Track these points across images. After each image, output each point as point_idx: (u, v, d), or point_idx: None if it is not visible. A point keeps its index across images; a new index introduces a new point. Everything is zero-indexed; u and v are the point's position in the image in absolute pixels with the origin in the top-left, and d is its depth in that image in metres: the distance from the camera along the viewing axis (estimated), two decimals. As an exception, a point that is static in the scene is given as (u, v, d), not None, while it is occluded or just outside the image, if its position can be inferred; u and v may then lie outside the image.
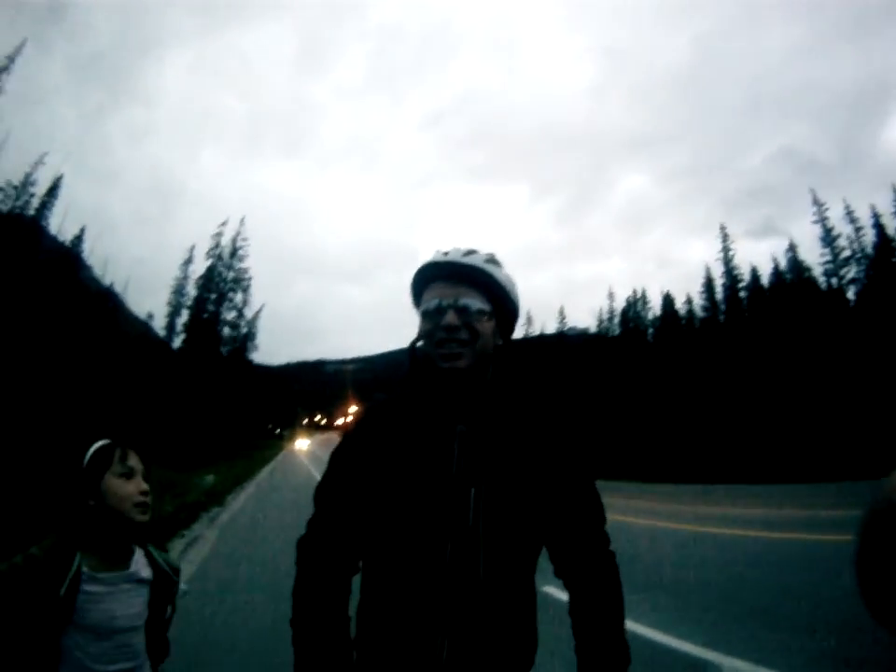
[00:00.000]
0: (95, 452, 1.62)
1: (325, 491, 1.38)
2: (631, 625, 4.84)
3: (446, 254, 1.39)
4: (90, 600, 1.52)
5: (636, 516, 13.20)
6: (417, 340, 1.41)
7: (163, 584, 1.68)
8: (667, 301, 50.95)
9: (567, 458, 1.40)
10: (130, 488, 1.60)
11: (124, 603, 1.58)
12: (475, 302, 1.35)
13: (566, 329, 60.34)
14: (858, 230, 39.48)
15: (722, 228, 46.54)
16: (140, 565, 1.66)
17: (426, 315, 1.36)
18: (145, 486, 1.63)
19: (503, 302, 1.40)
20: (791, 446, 30.20)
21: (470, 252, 1.39)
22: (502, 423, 1.36)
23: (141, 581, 1.64)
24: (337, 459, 1.40)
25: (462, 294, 1.34)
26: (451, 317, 1.32)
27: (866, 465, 22.71)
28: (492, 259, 1.40)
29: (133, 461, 1.64)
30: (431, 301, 1.35)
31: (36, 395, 22.02)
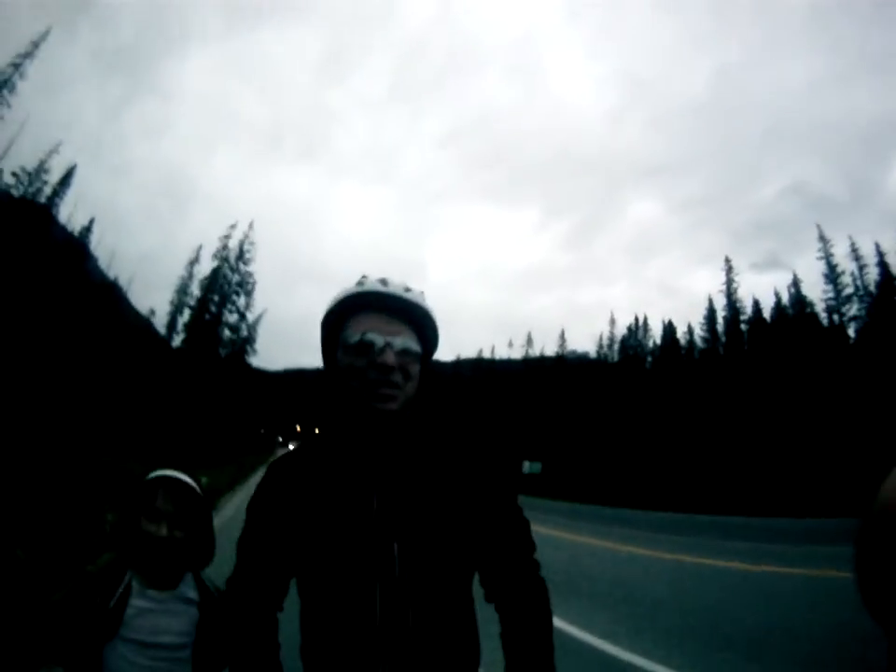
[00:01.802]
0: (140, 487, 1.72)
1: (245, 544, 1.37)
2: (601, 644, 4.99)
3: (384, 283, 1.30)
4: (137, 614, 1.62)
5: (615, 542, 13.27)
6: (333, 373, 1.36)
7: (210, 607, 1.72)
8: (668, 329, 51.26)
9: (491, 492, 1.37)
10: (150, 528, 1.65)
11: (170, 619, 1.66)
12: (412, 344, 1.30)
13: (565, 352, 60.67)
14: (861, 267, 39.97)
15: (727, 260, 47.00)
16: (188, 587, 1.73)
17: (355, 348, 1.27)
18: (163, 532, 1.65)
19: (431, 344, 1.37)
20: (784, 480, 30.21)
21: (407, 289, 1.32)
22: (421, 467, 1.33)
23: (189, 600, 1.71)
24: (253, 514, 1.37)
25: (401, 333, 1.29)
26: (389, 357, 1.25)
27: (853, 501, 22.89)
28: (423, 296, 1.35)
29: (162, 503, 1.67)
30: (367, 333, 1.27)
31: (35, 384, 21.99)
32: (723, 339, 46.35)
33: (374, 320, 1.27)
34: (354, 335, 1.27)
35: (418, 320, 1.32)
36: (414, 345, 1.30)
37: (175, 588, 1.71)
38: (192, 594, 1.73)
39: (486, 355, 74.53)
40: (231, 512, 15.21)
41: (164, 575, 1.70)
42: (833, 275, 41.06)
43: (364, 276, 1.33)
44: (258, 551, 1.34)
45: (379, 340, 1.25)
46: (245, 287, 51.59)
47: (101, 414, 23.11)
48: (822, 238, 41.63)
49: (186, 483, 1.71)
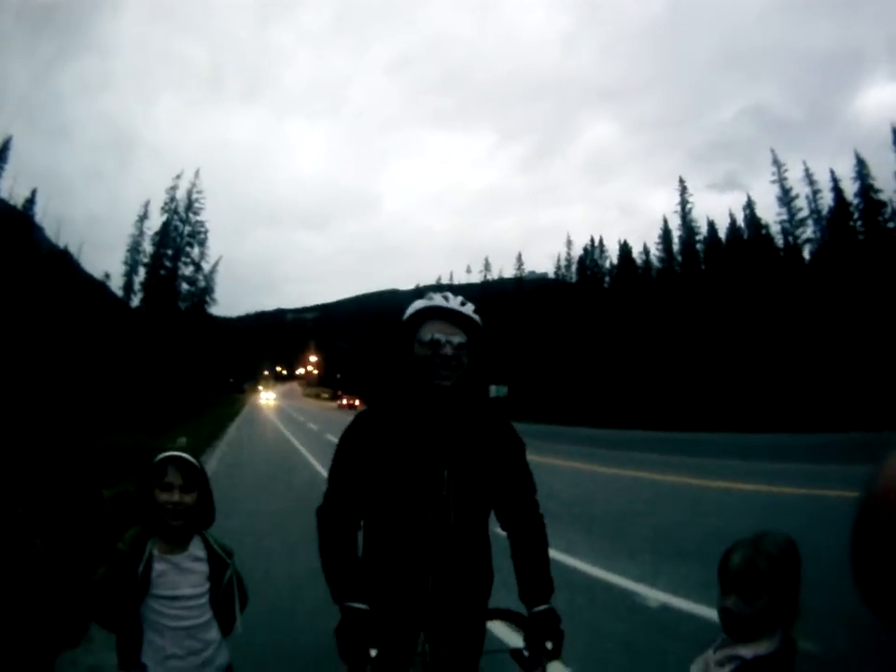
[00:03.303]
0: (152, 466, 2.13)
1: (336, 472, 1.94)
2: (570, 560, 5.62)
3: (446, 299, 1.90)
4: (160, 575, 2.05)
5: (580, 461, 14.37)
6: (407, 358, 1.95)
7: (216, 562, 2.19)
8: (624, 250, 51.55)
9: (508, 448, 2.00)
10: (163, 497, 2.07)
11: (185, 576, 2.11)
12: (463, 340, 1.90)
13: (524, 274, 61.03)
14: (816, 192, 40.54)
15: (681, 181, 47.18)
16: (196, 547, 2.17)
17: (426, 344, 1.88)
18: (175, 498, 2.07)
19: (477, 340, 1.95)
20: (736, 397, 31.46)
21: (463, 303, 1.92)
22: (464, 423, 1.94)
23: (198, 559, 2.16)
24: (343, 449, 1.95)
25: (457, 334, 1.89)
26: (448, 350, 1.86)
27: (802, 417, 24.02)
28: (473, 308, 1.94)
29: (172, 476, 2.09)
30: (434, 334, 1.87)
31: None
32: (679, 259, 47.01)
33: (439, 325, 1.89)
34: (426, 335, 1.89)
35: (468, 324, 1.92)
36: (464, 341, 1.90)
37: (187, 549, 2.14)
38: (201, 552, 2.17)
39: (445, 281, 74.73)
40: (213, 466, 15.35)
41: (178, 536, 2.12)
42: (786, 199, 41.58)
43: (431, 294, 1.95)
44: (346, 478, 1.92)
45: (442, 338, 1.87)
46: (198, 237, 50.62)
47: (69, 387, 22.94)
48: (776, 162, 42.00)
49: (189, 460, 2.14)
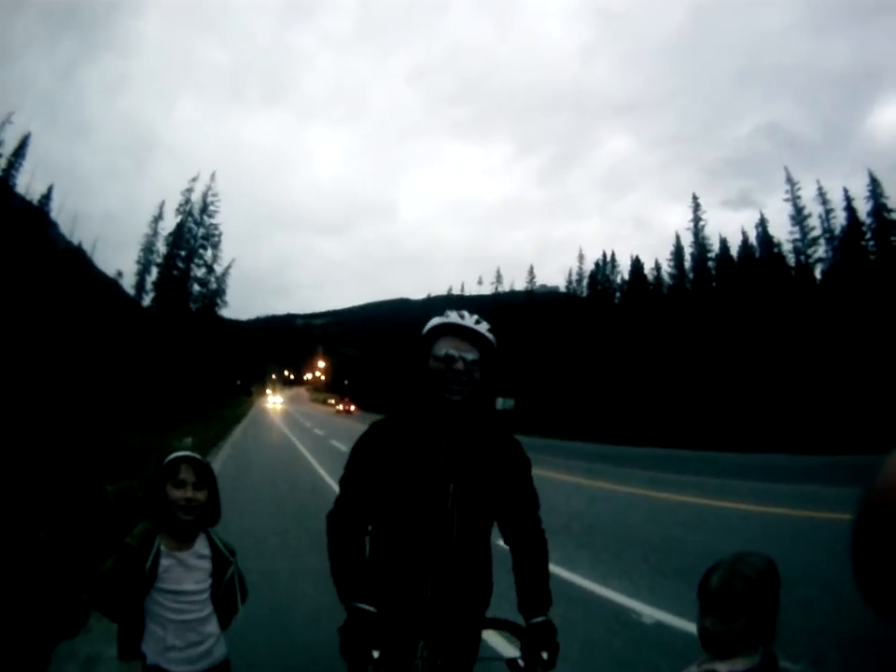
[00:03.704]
0: (162, 465, 2.24)
1: (347, 479, 2.00)
2: (569, 575, 5.64)
3: (462, 317, 1.97)
4: (166, 570, 2.15)
5: (583, 476, 14.38)
6: (422, 371, 2.00)
7: (219, 560, 2.30)
8: (636, 265, 51.18)
9: (514, 465, 2.05)
10: (177, 494, 2.17)
11: (190, 572, 2.21)
12: (476, 357, 1.95)
13: (535, 287, 60.93)
14: (828, 211, 39.88)
15: (694, 198, 46.50)
16: (201, 545, 2.27)
17: (440, 358, 1.94)
18: (189, 494, 2.17)
19: (490, 357, 2.00)
20: (747, 416, 31.20)
21: (478, 321, 1.98)
22: (472, 438, 2.00)
23: (203, 556, 2.26)
24: (355, 457, 2.01)
25: (469, 350, 1.95)
26: (460, 365, 1.92)
27: (812, 438, 23.76)
28: (488, 327, 2.01)
29: (185, 474, 2.20)
30: (448, 349, 1.94)
31: (10, 360, 21.76)
32: (691, 276, 46.57)
33: (453, 341, 1.95)
34: (440, 350, 1.95)
35: (482, 342, 1.97)
36: (476, 357, 1.96)
37: (192, 546, 2.24)
38: (205, 550, 2.28)
39: (456, 292, 74.78)
40: (216, 468, 15.31)
41: (186, 533, 2.23)
42: (799, 217, 40.91)
43: (448, 312, 2.01)
44: (356, 486, 1.98)
45: (455, 354, 1.93)
46: (211, 239, 50.56)
47: (79, 384, 23.07)
48: (790, 180, 41.32)
49: (201, 459, 2.28)
